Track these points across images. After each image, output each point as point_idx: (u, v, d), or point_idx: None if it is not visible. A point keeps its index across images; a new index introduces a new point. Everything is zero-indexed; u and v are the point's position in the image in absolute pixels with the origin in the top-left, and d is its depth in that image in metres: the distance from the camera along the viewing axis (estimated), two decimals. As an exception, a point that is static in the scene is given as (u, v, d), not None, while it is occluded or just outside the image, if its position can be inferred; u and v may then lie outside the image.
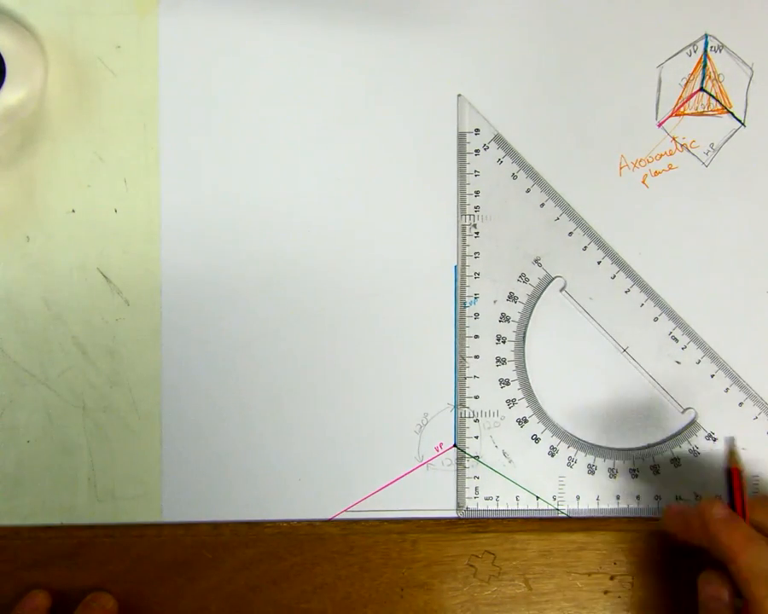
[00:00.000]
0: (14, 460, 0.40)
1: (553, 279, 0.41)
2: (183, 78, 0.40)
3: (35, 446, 0.40)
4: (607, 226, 0.41)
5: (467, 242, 0.41)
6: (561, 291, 0.41)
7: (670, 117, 0.41)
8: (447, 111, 0.41)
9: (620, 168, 0.41)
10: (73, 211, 0.40)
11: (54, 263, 0.40)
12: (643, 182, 0.41)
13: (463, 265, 0.41)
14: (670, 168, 0.41)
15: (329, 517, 0.41)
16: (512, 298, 0.41)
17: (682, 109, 0.41)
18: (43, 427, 0.40)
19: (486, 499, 0.41)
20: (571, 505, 0.41)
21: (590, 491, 0.41)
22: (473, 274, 0.41)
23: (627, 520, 0.41)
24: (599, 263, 0.41)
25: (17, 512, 0.40)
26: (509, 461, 0.41)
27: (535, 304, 0.41)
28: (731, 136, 0.41)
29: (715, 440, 0.41)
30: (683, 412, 0.41)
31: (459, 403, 0.41)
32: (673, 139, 0.41)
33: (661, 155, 0.41)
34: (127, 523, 0.41)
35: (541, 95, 0.41)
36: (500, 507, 0.41)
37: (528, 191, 0.41)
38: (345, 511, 0.41)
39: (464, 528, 0.41)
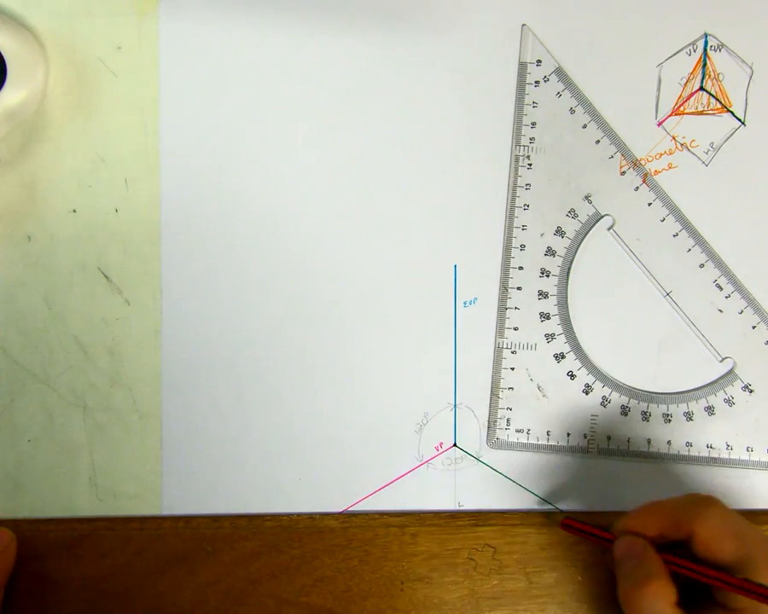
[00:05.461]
0: (14, 460, 0.40)
1: (602, 217, 0.41)
2: (184, 78, 0.40)
3: (36, 445, 0.41)
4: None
5: (519, 173, 0.41)
6: (608, 229, 0.41)
7: (670, 116, 0.41)
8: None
9: (620, 168, 0.41)
10: (74, 211, 0.40)
11: (55, 263, 0.40)
12: (644, 182, 0.41)
13: (514, 196, 0.41)
14: (670, 167, 0.41)
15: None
16: (559, 232, 0.41)
17: (682, 108, 0.41)
18: (44, 426, 0.40)
19: (518, 431, 0.41)
20: (602, 444, 0.41)
21: (622, 433, 0.41)
22: (522, 205, 0.41)
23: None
24: (649, 204, 0.41)
25: (18, 511, 0.40)
26: (543, 396, 0.41)
27: (582, 241, 0.41)
28: (731, 135, 0.41)
29: (751, 392, 0.41)
30: (721, 361, 0.41)
31: (498, 334, 0.41)
32: (673, 138, 0.41)
33: (661, 154, 0.41)
34: (127, 515, 0.41)
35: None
36: (530, 441, 0.41)
37: (585, 127, 0.41)
38: (345, 510, 0.41)
39: (464, 521, 0.41)
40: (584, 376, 0.41)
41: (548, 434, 0.41)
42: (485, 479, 0.41)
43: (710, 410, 0.41)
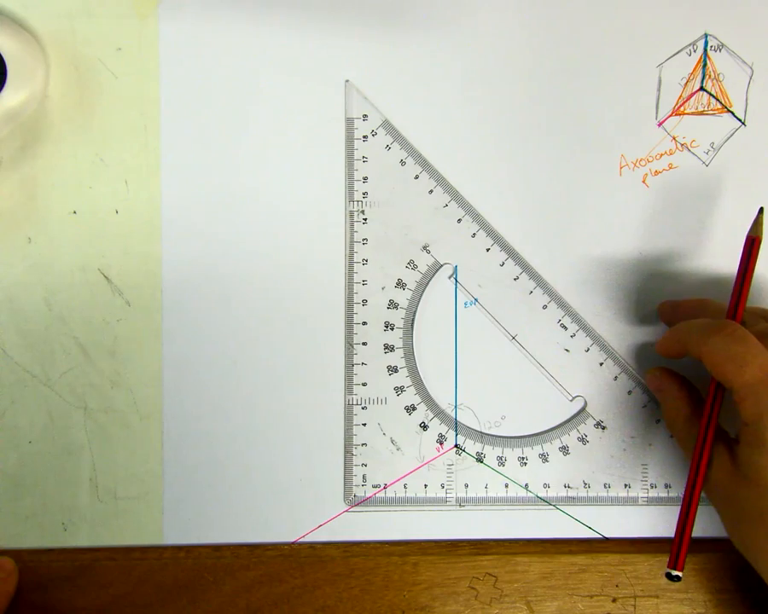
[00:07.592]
0: (15, 461, 0.40)
1: (441, 266, 0.41)
2: (184, 79, 0.40)
3: (36, 447, 0.41)
4: (607, 226, 0.41)
5: (355, 228, 0.41)
6: (449, 278, 0.41)
7: (670, 116, 0.41)
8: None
9: (620, 168, 0.41)
10: (75, 212, 0.40)
11: (55, 265, 0.40)
12: (644, 182, 0.41)
13: (351, 252, 0.41)
14: (670, 167, 0.41)
15: (332, 517, 0.41)
16: (400, 284, 0.41)
17: (682, 109, 0.41)
18: (45, 428, 0.40)
19: (374, 486, 0.41)
20: (459, 493, 0.41)
21: (479, 479, 0.41)
22: (361, 260, 0.41)
23: (629, 543, 0.41)
24: (488, 250, 0.41)
25: (19, 513, 0.40)
26: (397, 449, 0.41)
27: (423, 292, 0.41)
28: (731, 135, 0.41)
29: (604, 428, 0.41)
30: (571, 400, 0.41)
31: (347, 391, 0.41)
32: (673, 138, 0.41)
33: (661, 155, 0.41)
34: (129, 545, 0.41)
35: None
36: (388, 495, 0.41)
37: (417, 177, 0.41)
38: (346, 511, 0.41)
39: (465, 550, 0.41)
40: (436, 426, 0.41)
41: (405, 487, 0.41)
42: (487, 480, 0.41)
43: (564, 450, 0.41)
